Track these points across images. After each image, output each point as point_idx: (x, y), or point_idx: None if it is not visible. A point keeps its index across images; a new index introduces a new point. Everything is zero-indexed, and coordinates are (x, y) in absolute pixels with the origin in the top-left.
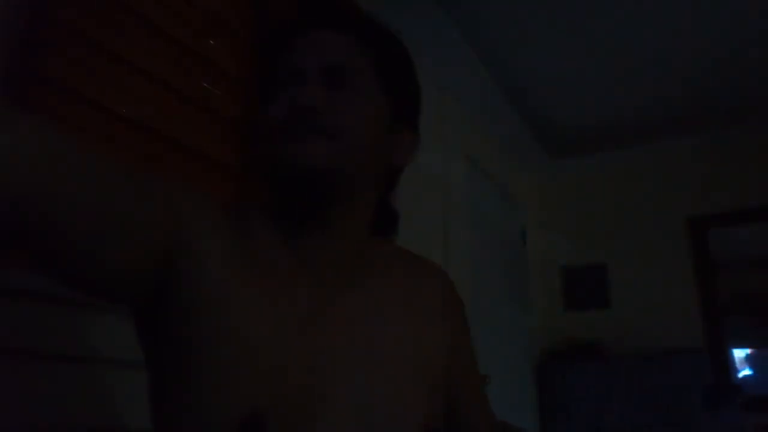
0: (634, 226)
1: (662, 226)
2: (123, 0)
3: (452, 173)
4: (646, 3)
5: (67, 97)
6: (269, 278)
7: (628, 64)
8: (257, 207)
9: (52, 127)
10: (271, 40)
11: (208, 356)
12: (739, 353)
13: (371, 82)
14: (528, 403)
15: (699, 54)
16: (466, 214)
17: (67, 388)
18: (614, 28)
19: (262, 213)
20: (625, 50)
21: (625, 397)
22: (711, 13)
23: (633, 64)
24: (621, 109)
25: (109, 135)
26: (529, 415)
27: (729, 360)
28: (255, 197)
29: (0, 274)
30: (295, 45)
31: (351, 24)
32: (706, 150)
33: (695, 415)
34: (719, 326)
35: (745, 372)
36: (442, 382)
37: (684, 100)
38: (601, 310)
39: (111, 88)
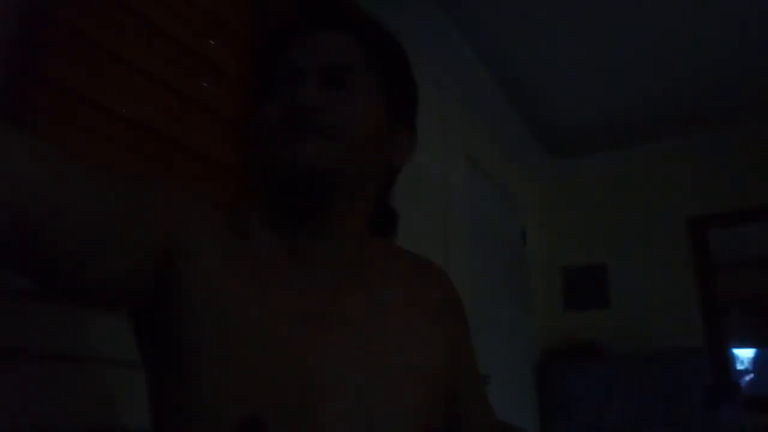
0: (634, 226)
1: (662, 226)
2: (123, 0)
3: (452, 173)
4: (646, 3)
5: (67, 97)
6: (269, 278)
7: (628, 65)
8: (257, 207)
9: (39, 140)
10: (270, 39)
11: (208, 356)
12: (744, 353)
13: (370, 82)
14: (528, 403)
15: (699, 54)
16: (466, 214)
17: (67, 388)
18: (614, 28)
19: (262, 213)
20: (625, 50)
21: (625, 397)
22: (711, 13)
23: (633, 64)
24: (621, 109)
25: (109, 135)
26: (529, 415)
27: (729, 360)
28: (255, 197)
29: (0, 274)
30: (293, 44)
31: (350, 24)
32: (706, 150)
33: (695, 414)
34: (719, 326)
35: (749, 376)
36: (442, 382)
37: (684, 100)
38: (601, 310)
39: (111, 88)
